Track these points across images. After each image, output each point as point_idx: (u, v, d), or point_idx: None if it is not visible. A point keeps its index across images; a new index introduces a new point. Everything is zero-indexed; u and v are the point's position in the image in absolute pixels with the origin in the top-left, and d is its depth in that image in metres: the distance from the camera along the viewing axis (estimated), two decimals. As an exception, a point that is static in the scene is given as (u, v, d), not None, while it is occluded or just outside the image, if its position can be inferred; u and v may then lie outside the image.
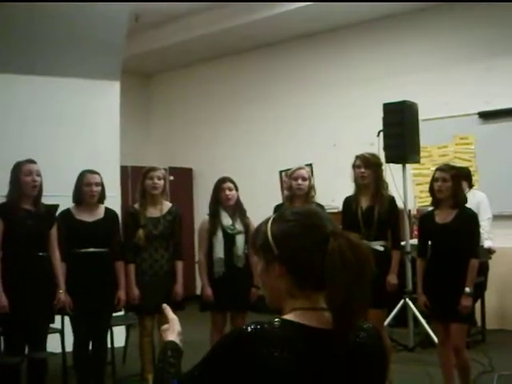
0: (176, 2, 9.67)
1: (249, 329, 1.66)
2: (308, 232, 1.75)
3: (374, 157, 6.03)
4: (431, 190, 5.46)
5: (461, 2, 8.96)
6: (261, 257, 1.83)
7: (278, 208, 6.15)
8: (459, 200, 5.37)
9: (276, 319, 1.70)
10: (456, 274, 5.19)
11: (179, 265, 6.20)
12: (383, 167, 6.12)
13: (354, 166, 5.95)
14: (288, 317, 1.73)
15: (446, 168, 5.48)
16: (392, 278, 5.88)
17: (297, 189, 6.02)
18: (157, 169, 6.16)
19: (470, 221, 5.32)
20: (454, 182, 5.33)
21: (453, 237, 5.23)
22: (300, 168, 6.15)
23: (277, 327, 1.68)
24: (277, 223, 1.81)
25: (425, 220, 5.66)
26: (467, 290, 5.15)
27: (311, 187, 6.13)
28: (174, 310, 2.92)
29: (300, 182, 6.02)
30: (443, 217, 5.36)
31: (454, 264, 5.21)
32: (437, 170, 5.49)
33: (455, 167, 5.63)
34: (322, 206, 6.17)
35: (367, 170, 5.86)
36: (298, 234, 1.76)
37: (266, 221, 1.85)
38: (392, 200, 5.99)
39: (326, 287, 1.64)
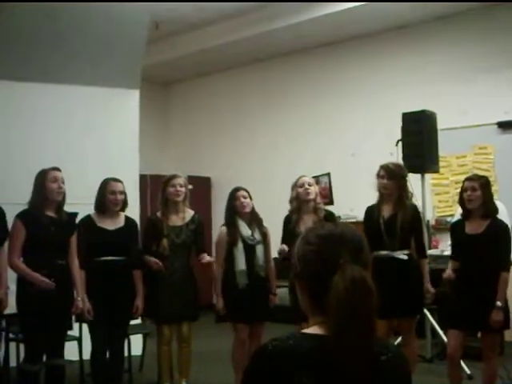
0: (196, 10, 9.70)
1: (269, 346, 1.73)
2: (320, 260, 1.80)
3: (399, 167, 5.93)
4: (461, 201, 5.42)
5: (481, 10, 8.94)
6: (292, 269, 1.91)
7: (286, 219, 6.15)
8: (490, 209, 5.32)
9: (297, 333, 1.78)
10: (486, 286, 5.15)
11: (205, 256, 6.16)
12: (407, 178, 6.04)
13: (378, 176, 5.90)
14: (310, 330, 1.79)
15: (474, 177, 5.46)
16: (429, 287, 5.87)
17: (305, 195, 6.00)
18: (178, 176, 6.17)
19: (501, 233, 5.27)
20: (483, 190, 5.30)
21: (483, 248, 5.19)
22: (303, 176, 6.15)
23: (296, 342, 1.73)
24: (301, 243, 1.89)
25: (455, 230, 5.63)
26: (498, 303, 5.12)
27: (317, 194, 6.12)
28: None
29: (307, 186, 6.01)
30: (474, 227, 5.32)
31: (484, 276, 5.16)
32: (465, 180, 5.46)
33: (484, 176, 5.58)
34: (332, 215, 6.16)
35: (390, 180, 5.77)
36: (312, 260, 1.82)
37: (300, 236, 1.93)
38: (415, 209, 5.92)
39: (328, 315, 1.70)
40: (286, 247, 5.83)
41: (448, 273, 5.53)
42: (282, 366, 1.68)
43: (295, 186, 6.10)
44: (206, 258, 6.11)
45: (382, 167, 5.87)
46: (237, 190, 6.14)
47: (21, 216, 5.43)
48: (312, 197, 6.02)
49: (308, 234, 1.90)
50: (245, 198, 6.07)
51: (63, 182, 5.51)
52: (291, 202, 6.14)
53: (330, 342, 1.67)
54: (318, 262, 1.80)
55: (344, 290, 1.68)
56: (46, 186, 5.44)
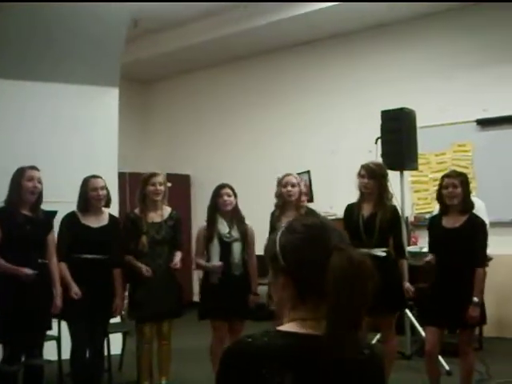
0: (175, 8, 9.68)
1: (243, 343, 1.70)
2: (313, 245, 1.76)
3: (379, 167, 5.95)
4: (439, 198, 5.46)
5: (457, 9, 8.99)
6: (270, 266, 1.85)
7: (272, 215, 6.17)
8: (468, 205, 5.38)
9: (269, 331, 1.74)
10: (462, 281, 5.19)
11: (178, 253, 6.16)
12: (388, 178, 6.06)
13: (359, 175, 5.91)
14: (285, 327, 1.76)
15: (454, 174, 5.50)
16: (409, 287, 5.94)
17: (287, 195, 6.03)
18: (158, 174, 6.15)
19: (478, 229, 5.32)
20: (463, 187, 5.34)
21: (460, 242, 5.24)
22: (288, 174, 6.15)
23: (267, 340, 1.70)
24: (285, 235, 1.83)
25: (432, 224, 5.66)
26: (475, 299, 5.16)
27: (301, 193, 6.13)
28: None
29: (289, 188, 6.02)
30: (452, 222, 5.37)
31: (460, 272, 5.20)
32: (444, 176, 5.49)
33: (462, 173, 5.63)
34: (314, 212, 6.18)
35: (371, 180, 5.79)
36: (303, 247, 1.77)
37: (277, 232, 1.86)
38: (394, 209, 5.96)
39: (326, 298, 1.64)
40: None
41: (430, 257, 5.56)
42: (256, 363, 1.65)
43: (280, 184, 6.13)
44: (176, 263, 6.09)
45: (363, 167, 5.89)
46: (222, 187, 6.13)
47: None
48: (294, 198, 6.05)
49: (292, 224, 1.86)
50: (229, 196, 6.07)
51: (40, 182, 5.49)
52: (276, 197, 6.20)
53: (328, 320, 1.63)
54: (310, 248, 1.75)
55: (343, 269, 1.64)
56: (22, 185, 5.42)
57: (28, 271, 5.24)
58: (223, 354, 1.73)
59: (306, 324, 1.73)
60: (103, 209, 5.96)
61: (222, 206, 6.07)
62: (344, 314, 1.62)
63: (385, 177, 5.91)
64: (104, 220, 5.93)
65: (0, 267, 5.33)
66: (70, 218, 5.81)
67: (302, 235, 1.80)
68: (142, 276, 5.91)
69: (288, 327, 1.75)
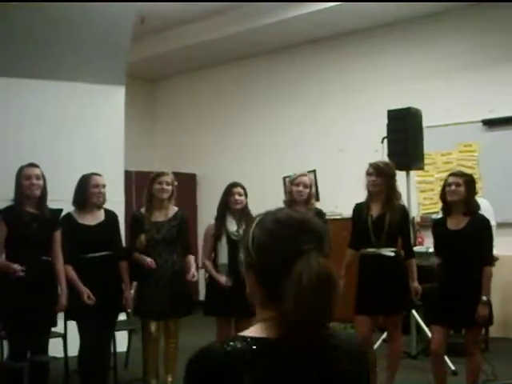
0: (182, 6, 9.68)
1: (196, 359, 1.63)
2: (281, 245, 1.66)
3: (388, 166, 5.94)
4: (442, 196, 5.46)
5: (464, 8, 8.98)
6: (244, 257, 1.78)
7: None
8: (472, 206, 5.36)
9: (238, 336, 1.65)
10: (469, 281, 5.18)
11: (191, 259, 6.18)
12: (396, 177, 6.05)
13: (367, 174, 5.90)
14: (251, 332, 1.67)
15: (459, 173, 5.50)
16: (417, 287, 5.91)
17: (297, 195, 6.02)
18: (166, 174, 6.14)
19: (482, 228, 5.31)
20: (466, 187, 5.33)
21: (465, 244, 5.22)
22: (303, 175, 6.14)
23: (229, 349, 1.60)
24: (257, 228, 1.72)
25: (436, 226, 5.65)
26: (484, 298, 5.16)
27: (312, 195, 6.14)
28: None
29: (301, 188, 6.01)
30: (455, 223, 5.36)
31: (467, 271, 5.20)
32: (450, 175, 5.49)
33: (468, 174, 5.62)
34: (322, 213, 6.17)
35: (379, 178, 5.78)
36: (271, 245, 1.67)
37: (256, 221, 1.77)
38: (403, 209, 5.95)
39: (283, 300, 1.56)
40: None
41: (439, 260, 5.56)
42: (216, 371, 1.57)
43: (292, 182, 6.12)
44: (192, 275, 6.09)
45: (371, 165, 5.88)
46: (234, 185, 6.16)
47: (2, 212, 5.45)
48: (303, 199, 6.04)
49: (265, 218, 1.75)
50: (240, 195, 6.10)
51: (39, 178, 5.49)
52: (286, 194, 6.22)
53: (282, 334, 1.55)
54: (278, 248, 1.64)
55: (307, 281, 1.53)
56: (21, 183, 5.45)
57: (17, 267, 5.24)
58: (188, 362, 1.65)
59: (271, 325, 1.63)
60: (99, 206, 5.96)
61: (232, 205, 6.09)
62: (299, 324, 1.53)
63: (393, 176, 5.90)
64: (100, 217, 5.92)
65: None
66: (67, 220, 5.79)
67: (272, 233, 1.69)
68: (147, 268, 5.92)
69: (254, 331, 1.67)
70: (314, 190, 6.24)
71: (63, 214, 5.79)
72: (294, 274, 1.56)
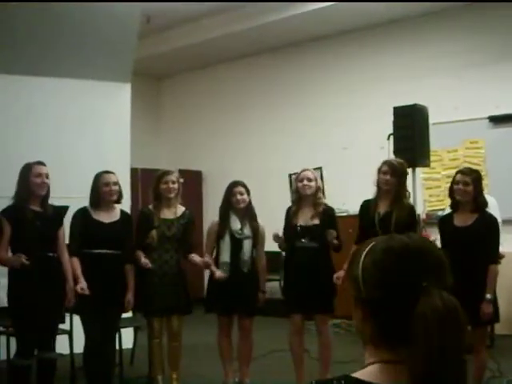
0: (187, 4, 9.69)
1: None
2: (396, 282, 1.44)
3: (401, 164, 5.92)
4: (451, 193, 5.46)
5: (471, 5, 8.96)
6: (351, 289, 1.55)
7: (287, 211, 6.16)
8: (480, 204, 5.36)
9: (346, 377, 1.47)
10: (474, 279, 5.16)
11: (195, 256, 6.21)
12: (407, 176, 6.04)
13: (380, 171, 5.88)
14: (360, 373, 1.47)
15: (467, 171, 5.49)
16: None
17: (303, 189, 5.99)
18: (171, 172, 6.15)
19: (490, 226, 5.32)
20: (474, 185, 5.32)
21: (471, 241, 5.22)
22: (305, 170, 6.12)
23: None
24: (368, 260, 1.49)
25: (443, 223, 5.65)
26: (488, 296, 5.16)
27: (318, 189, 6.12)
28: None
29: (306, 182, 5.98)
30: (463, 220, 5.36)
31: (472, 269, 5.18)
32: (458, 172, 5.49)
33: (476, 170, 5.61)
34: (331, 210, 6.17)
35: (392, 177, 5.77)
36: (384, 281, 1.45)
37: (363, 248, 1.54)
38: (411, 208, 5.94)
39: (410, 350, 1.36)
40: (280, 233, 5.95)
41: None
42: None
43: (296, 179, 6.12)
44: (195, 258, 6.13)
45: (386, 163, 5.87)
46: (235, 185, 6.14)
47: (4, 214, 5.45)
48: (310, 192, 5.99)
49: (375, 247, 1.52)
50: (241, 194, 6.08)
51: (47, 177, 5.51)
52: (293, 193, 6.20)
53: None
54: (392, 285, 1.43)
55: (434, 325, 1.34)
56: (30, 181, 5.45)
57: (20, 256, 5.23)
58: None
59: (386, 369, 1.45)
60: (115, 205, 5.98)
61: (235, 204, 6.09)
62: (434, 367, 1.33)
63: (405, 175, 5.92)
64: (115, 216, 5.95)
65: (3, 261, 5.42)
66: (82, 214, 5.82)
67: (384, 265, 1.46)
68: (142, 268, 5.94)
69: (366, 373, 1.46)
70: (319, 183, 6.21)
71: (72, 211, 5.81)
72: (417, 317, 1.37)
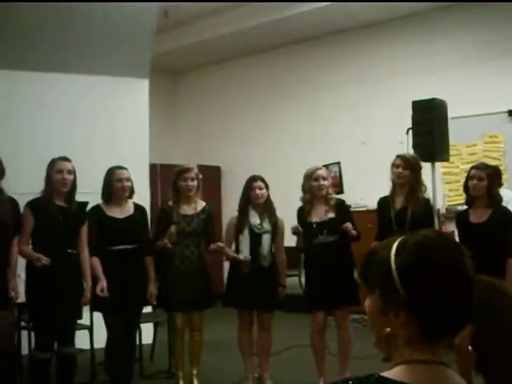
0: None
1: None
2: (444, 274, 1.38)
3: (415, 159, 5.97)
4: (465, 188, 5.45)
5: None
6: (376, 294, 1.46)
7: (300, 211, 6.14)
8: (494, 199, 5.36)
9: (373, 376, 1.41)
10: (492, 274, 5.13)
11: (212, 245, 6.12)
12: (421, 171, 6.03)
13: (393, 165, 5.90)
14: (391, 373, 1.42)
15: (481, 166, 5.49)
16: None
17: (318, 189, 5.97)
18: (190, 169, 6.12)
19: (505, 220, 5.30)
20: (489, 180, 5.32)
21: (488, 236, 5.20)
22: (318, 168, 6.09)
23: None
24: (404, 256, 1.40)
25: (459, 219, 5.65)
26: None
27: (329, 186, 6.11)
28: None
29: (321, 181, 5.96)
30: (478, 216, 5.35)
31: (490, 264, 5.15)
32: (472, 168, 5.50)
33: (491, 166, 5.61)
34: (343, 203, 6.18)
35: (405, 170, 5.81)
36: (431, 275, 1.37)
37: (385, 247, 1.47)
38: (427, 202, 5.95)
39: (476, 343, 1.36)
40: (299, 226, 5.94)
41: None
42: None
43: (309, 178, 6.04)
44: (215, 245, 6.10)
45: (399, 156, 5.90)
46: (253, 179, 6.12)
47: (30, 205, 5.51)
48: (325, 192, 5.99)
49: (407, 243, 1.44)
50: (260, 189, 6.06)
51: (70, 172, 5.54)
52: (304, 192, 6.13)
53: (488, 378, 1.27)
54: (441, 279, 1.37)
55: (500, 301, 1.34)
56: (52, 177, 5.49)
57: (41, 257, 5.29)
58: None
59: (419, 369, 1.41)
60: (127, 199, 5.99)
61: (254, 199, 6.08)
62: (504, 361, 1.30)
63: (419, 170, 5.92)
64: (129, 210, 5.95)
65: (25, 255, 5.46)
66: (95, 212, 5.84)
67: (426, 258, 1.39)
68: (166, 259, 5.98)
69: (397, 372, 1.41)
70: (329, 180, 6.18)
71: (90, 206, 5.84)
72: (479, 304, 1.36)
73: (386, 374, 1.41)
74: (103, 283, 5.62)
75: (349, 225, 5.78)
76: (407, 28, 9.85)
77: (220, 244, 6.05)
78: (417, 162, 5.96)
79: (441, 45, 9.49)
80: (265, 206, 6.14)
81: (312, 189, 6.00)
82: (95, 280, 5.66)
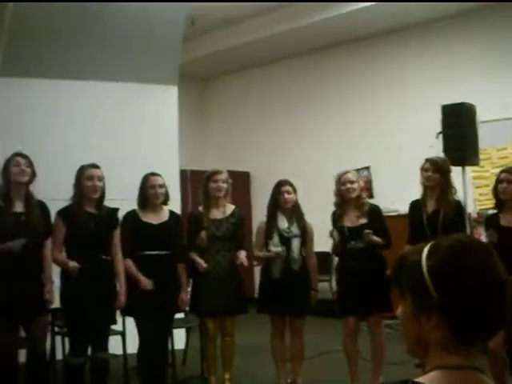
0: (230, 6, 9.76)
1: None
2: (477, 278, 1.38)
3: (444, 161, 5.97)
4: (495, 192, 5.44)
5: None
6: (408, 299, 1.46)
7: (334, 215, 6.14)
8: None
9: (407, 382, 1.40)
10: None
11: (241, 251, 6.16)
12: (451, 173, 6.02)
13: (423, 169, 5.90)
14: (425, 379, 1.41)
15: (511, 170, 5.47)
16: None
17: (346, 192, 5.97)
18: (221, 172, 6.19)
19: None
20: None
21: None
22: (346, 172, 6.08)
23: None
24: (436, 259, 1.41)
25: (489, 223, 5.62)
26: None
27: (361, 189, 6.10)
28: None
29: (349, 185, 5.95)
30: (508, 219, 5.34)
31: None
32: (502, 171, 5.49)
33: None
34: (377, 208, 6.17)
35: (435, 173, 5.82)
36: (464, 278, 1.38)
37: (416, 251, 1.47)
38: (458, 204, 5.95)
39: (510, 348, 1.34)
40: (334, 231, 5.95)
41: None
42: None
43: (338, 182, 6.06)
44: (241, 258, 6.11)
45: (428, 160, 5.92)
46: (282, 184, 6.14)
47: (61, 213, 5.57)
48: (354, 195, 5.98)
49: (439, 246, 1.44)
50: (289, 193, 6.08)
51: (100, 179, 5.59)
52: (335, 196, 6.13)
53: None
54: (474, 281, 1.36)
55: None
56: (82, 184, 5.55)
57: (73, 264, 5.34)
58: None
59: (454, 375, 1.40)
60: (163, 205, 6.04)
61: (282, 204, 6.09)
62: None
63: (449, 172, 5.92)
64: (164, 216, 6.00)
65: (59, 263, 5.52)
66: (131, 216, 5.90)
67: (459, 261, 1.40)
68: (198, 269, 6.00)
69: (430, 379, 1.41)
70: (361, 184, 6.17)
71: (122, 212, 5.89)
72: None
73: (420, 379, 1.40)
74: (144, 280, 5.69)
75: (373, 236, 5.76)
76: (435, 32, 9.82)
77: (242, 259, 6.06)
78: (446, 164, 5.96)
79: (470, 48, 9.46)
80: (293, 210, 6.15)
81: (341, 193, 6.01)
82: (129, 284, 5.71)
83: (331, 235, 5.97)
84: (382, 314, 5.96)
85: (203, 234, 6.05)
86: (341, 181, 6.02)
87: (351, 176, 6.04)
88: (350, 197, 5.97)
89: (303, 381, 6.14)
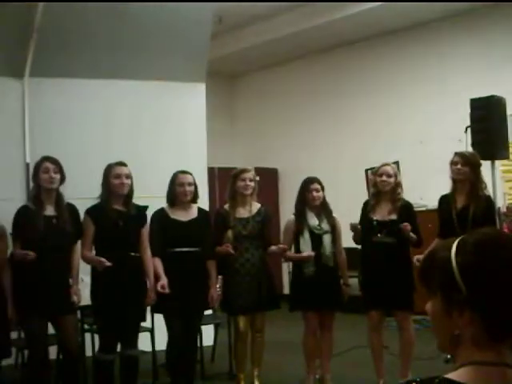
0: (258, 3, 9.75)
1: None
2: (509, 270, 1.36)
3: (473, 155, 5.91)
4: None
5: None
6: (438, 295, 1.45)
7: (365, 205, 6.11)
8: None
9: (437, 378, 1.39)
10: None
11: (272, 247, 6.16)
12: (481, 168, 5.95)
13: (452, 163, 5.85)
14: (455, 375, 1.40)
15: None
16: None
17: (381, 185, 5.95)
18: (248, 170, 6.19)
19: None
20: None
21: None
22: (385, 164, 6.06)
23: None
24: (464, 255, 1.40)
25: None
26: None
27: (398, 185, 6.05)
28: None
29: (384, 178, 5.93)
30: None
31: None
32: None
33: None
34: (410, 205, 6.12)
35: (464, 167, 5.75)
36: (495, 273, 1.36)
37: (445, 247, 1.45)
38: (488, 199, 5.88)
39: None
40: (358, 225, 5.92)
41: None
42: None
43: (375, 173, 6.07)
44: (273, 247, 6.13)
45: (457, 154, 5.85)
46: (310, 181, 6.13)
47: (89, 212, 5.61)
48: (387, 188, 5.94)
49: (466, 242, 1.43)
50: (317, 191, 6.07)
51: (127, 177, 5.61)
52: (372, 186, 6.14)
53: None
54: (505, 276, 1.35)
55: None
56: (109, 182, 5.58)
57: (103, 260, 5.37)
58: None
59: (484, 371, 1.39)
60: (192, 203, 6.05)
61: (310, 201, 6.08)
62: None
63: (478, 166, 5.85)
64: (193, 214, 6.01)
65: (88, 261, 5.57)
66: (160, 214, 5.91)
67: (489, 255, 1.38)
68: (232, 262, 6.02)
69: (461, 374, 1.40)
70: (399, 179, 6.12)
71: (151, 210, 5.91)
72: None
73: (450, 375, 1.39)
74: (164, 281, 5.68)
75: (407, 225, 5.74)
76: (465, 25, 9.74)
77: (281, 246, 6.08)
78: (475, 158, 5.89)
79: (499, 41, 9.37)
80: (321, 207, 6.14)
81: (377, 184, 6.01)
82: (157, 278, 5.72)
83: (354, 229, 5.93)
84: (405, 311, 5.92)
85: (229, 233, 6.05)
86: (378, 172, 6.01)
87: (389, 169, 6.01)
88: (384, 189, 5.95)
89: (332, 376, 6.12)
